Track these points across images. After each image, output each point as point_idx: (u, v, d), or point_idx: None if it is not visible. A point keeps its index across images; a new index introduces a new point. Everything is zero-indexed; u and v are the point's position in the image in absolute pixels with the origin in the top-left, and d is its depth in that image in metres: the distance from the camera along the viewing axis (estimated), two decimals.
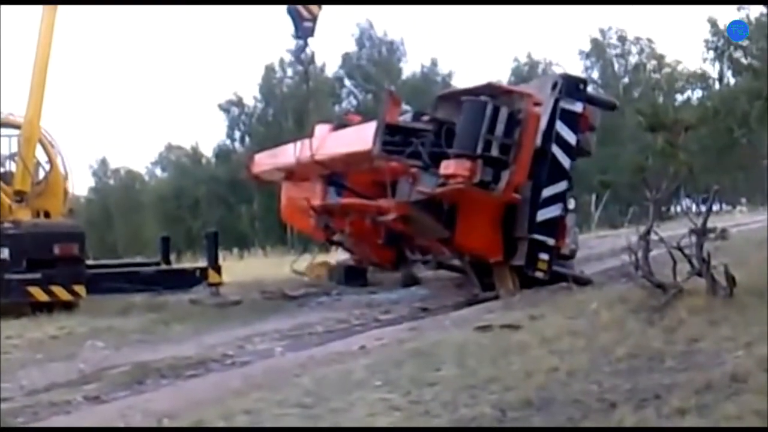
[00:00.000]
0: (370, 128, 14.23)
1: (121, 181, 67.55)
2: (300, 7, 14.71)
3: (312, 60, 15.34)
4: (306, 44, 15.15)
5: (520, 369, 7.11)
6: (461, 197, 13.49)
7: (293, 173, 17.55)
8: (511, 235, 13.62)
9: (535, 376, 6.74)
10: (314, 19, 14.91)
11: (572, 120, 13.68)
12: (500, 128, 13.11)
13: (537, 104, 13.62)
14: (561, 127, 13.58)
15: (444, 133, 13.56)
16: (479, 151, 12.99)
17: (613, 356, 7.17)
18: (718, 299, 8.62)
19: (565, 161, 13.63)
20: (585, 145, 14.28)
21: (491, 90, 13.91)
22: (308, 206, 16.99)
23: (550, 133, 13.53)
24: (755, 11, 46.62)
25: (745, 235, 16.99)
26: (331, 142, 16.11)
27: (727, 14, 53.22)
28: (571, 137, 13.64)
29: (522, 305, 11.53)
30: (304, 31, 14.96)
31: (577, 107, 13.75)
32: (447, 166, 13.22)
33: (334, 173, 16.52)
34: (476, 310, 11.99)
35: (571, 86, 13.95)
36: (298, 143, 16.63)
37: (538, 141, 13.50)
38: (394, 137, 13.58)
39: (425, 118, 14.32)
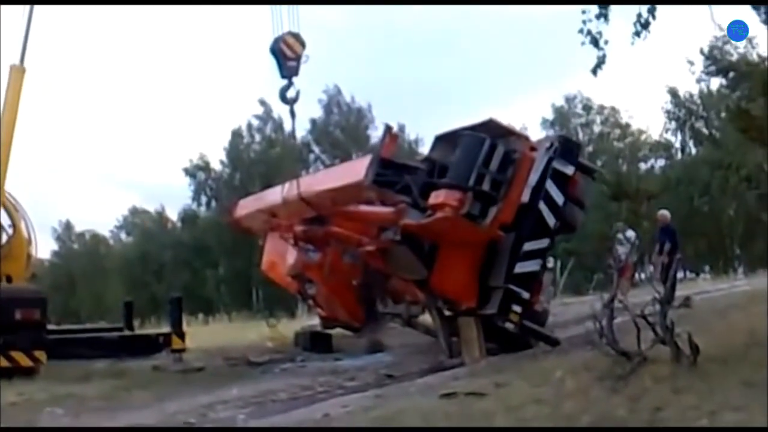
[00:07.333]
0: (361, 162, 14.20)
1: (85, 246, 67.09)
2: (284, 47, 14.79)
3: (297, 99, 15.35)
4: (291, 83, 15.23)
5: None
6: (445, 231, 13.46)
7: (277, 215, 16.98)
8: (487, 283, 13.64)
9: None
10: (298, 59, 14.98)
11: (562, 181, 13.94)
12: (495, 164, 13.35)
13: (533, 149, 13.92)
14: (551, 186, 13.81)
15: (437, 171, 13.68)
16: (471, 183, 13.13)
17: (577, 424, 7.16)
18: (682, 367, 8.65)
19: (550, 219, 13.82)
20: (570, 217, 14.45)
21: (491, 127, 14.09)
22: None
23: (539, 190, 13.74)
24: (715, 83, 47.96)
25: (708, 303, 17.11)
26: (320, 179, 15.96)
27: (686, 85, 54.13)
28: (559, 197, 13.86)
29: (487, 372, 11.49)
30: (288, 70, 15.06)
31: (569, 170, 14.04)
32: (437, 196, 13.34)
33: (320, 218, 15.85)
34: (442, 377, 11.95)
35: (566, 149, 14.28)
36: (287, 183, 16.20)
37: (527, 196, 13.69)
38: (386, 171, 13.68)
39: (419, 158, 14.40)
